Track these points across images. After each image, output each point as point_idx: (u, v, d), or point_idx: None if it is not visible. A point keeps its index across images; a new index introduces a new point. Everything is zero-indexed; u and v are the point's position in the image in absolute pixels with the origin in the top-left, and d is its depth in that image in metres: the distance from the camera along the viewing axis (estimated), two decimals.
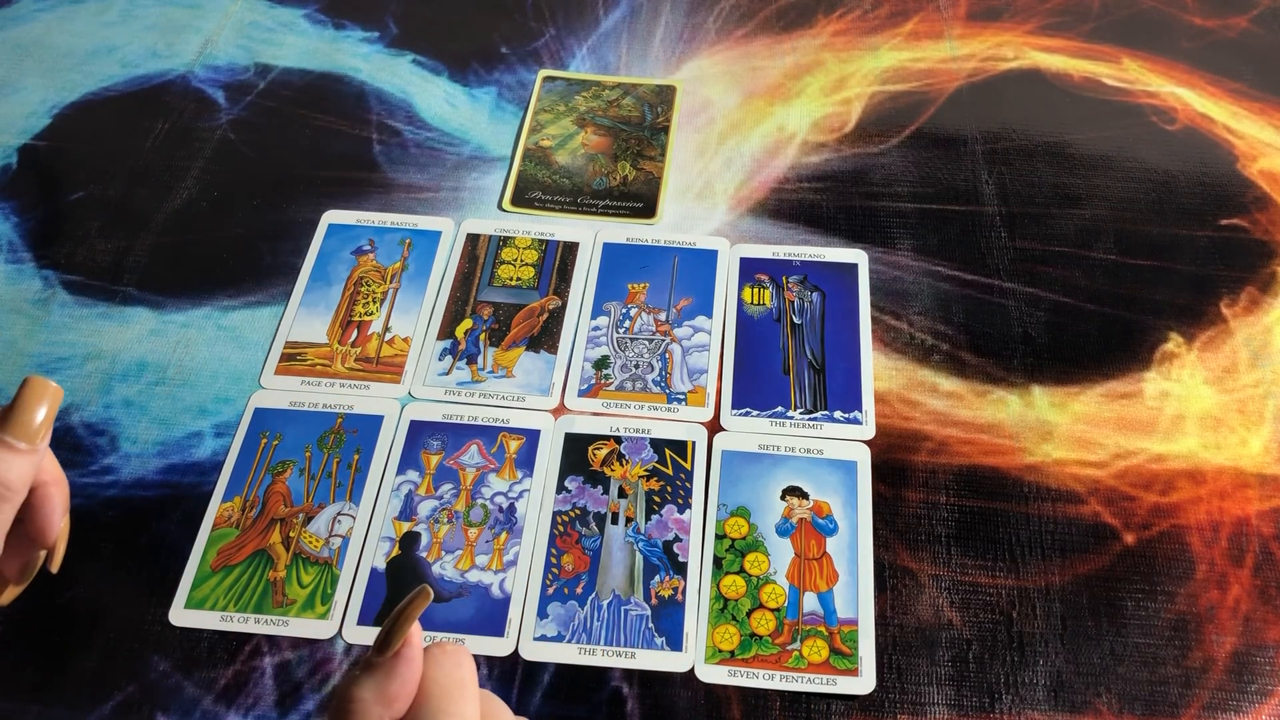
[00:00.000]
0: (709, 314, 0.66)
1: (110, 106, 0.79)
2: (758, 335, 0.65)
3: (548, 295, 0.67)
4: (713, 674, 0.52)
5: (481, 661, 0.53)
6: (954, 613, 0.54)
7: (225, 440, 0.60)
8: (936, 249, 0.69)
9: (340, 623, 0.54)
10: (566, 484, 0.59)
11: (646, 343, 0.64)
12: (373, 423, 0.61)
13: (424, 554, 0.56)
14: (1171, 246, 0.69)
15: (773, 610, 0.54)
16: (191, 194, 0.73)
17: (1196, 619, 0.54)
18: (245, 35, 0.84)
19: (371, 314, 0.66)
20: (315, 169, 0.74)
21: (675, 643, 0.53)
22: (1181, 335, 0.65)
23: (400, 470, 0.59)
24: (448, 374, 0.63)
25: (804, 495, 0.58)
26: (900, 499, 0.58)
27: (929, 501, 0.58)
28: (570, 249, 0.69)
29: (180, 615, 0.54)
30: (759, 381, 0.62)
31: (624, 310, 0.66)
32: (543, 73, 0.81)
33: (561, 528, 0.57)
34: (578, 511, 0.58)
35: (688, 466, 0.59)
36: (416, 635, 0.35)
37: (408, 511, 0.58)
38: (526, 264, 0.69)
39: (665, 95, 0.79)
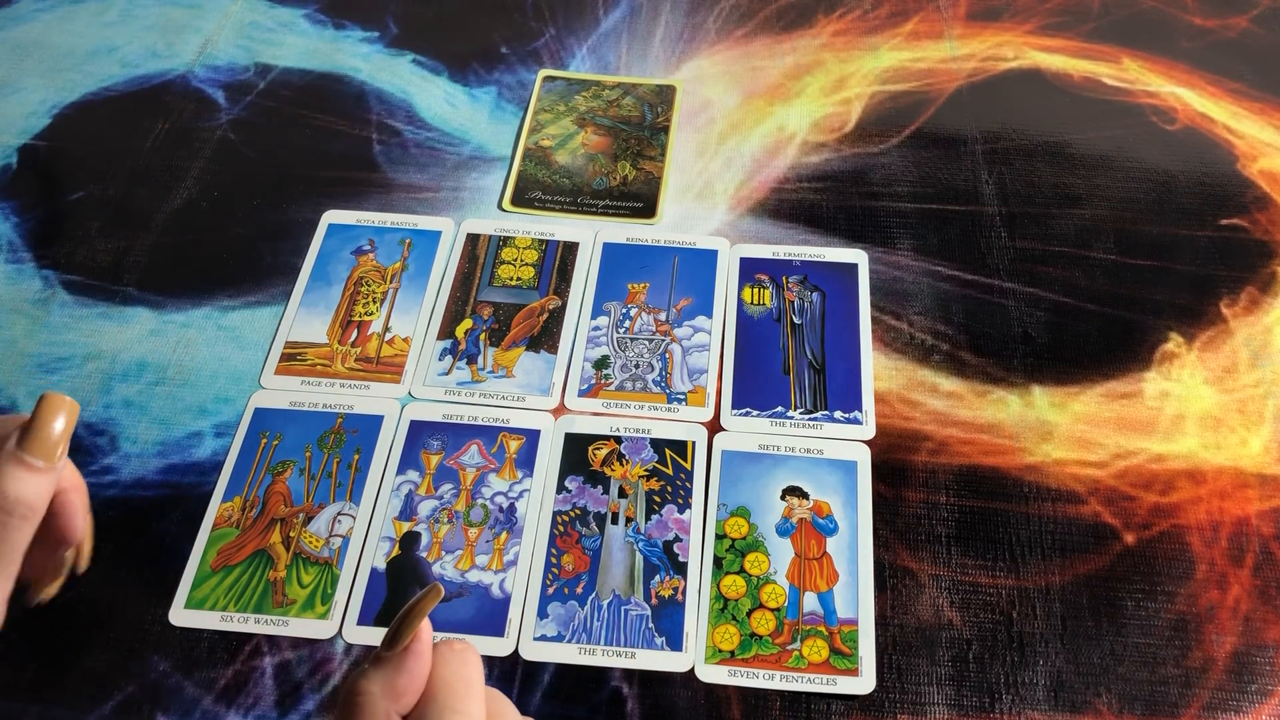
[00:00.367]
0: (709, 314, 0.66)
1: (110, 106, 0.79)
2: (758, 335, 0.65)
3: (548, 295, 0.67)
4: (713, 674, 0.52)
5: (482, 661, 0.52)
6: (954, 613, 0.54)
7: (225, 440, 0.60)
8: (936, 249, 0.69)
9: (340, 623, 0.54)
10: (567, 484, 0.59)
11: (646, 343, 0.64)
12: (373, 423, 0.61)
13: (424, 554, 0.56)
14: (1171, 246, 0.69)
15: (773, 610, 0.54)
16: (191, 194, 0.73)
17: (1196, 619, 0.54)
18: (245, 35, 0.84)
19: (371, 314, 0.66)
20: (315, 169, 0.74)
21: (675, 643, 0.53)
22: (1181, 335, 0.65)
23: (400, 470, 0.59)
24: (448, 374, 0.63)
25: (804, 495, 0.58)
26: (900, 499, 0.58)
27: (929, 501, 0.58)
28: (570, 249, 0.69)
29: (180, 615, 0.54)
30: (759, 381, 0.62)
31: (624, 310, 0.66)
32: (543, 73, 0.81)
33: (561, 528, 0.57)
34: (578, 511, 0.58)
35: (688, 466, 0.59)
36: (426, 632, 0.35)
37: (408, 511, 0.58)
38: (526, 264, 0.69)
39: (665, 95, 0.79)
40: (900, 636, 0.53)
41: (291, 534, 0.57)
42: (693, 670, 0.52)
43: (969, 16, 0.85)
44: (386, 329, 0.65)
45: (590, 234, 0.70)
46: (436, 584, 0.36)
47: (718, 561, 0.56)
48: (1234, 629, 0.53)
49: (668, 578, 0.55)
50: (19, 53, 0.83)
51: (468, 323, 0.66)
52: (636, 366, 0.63)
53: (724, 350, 0.64)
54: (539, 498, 0.58)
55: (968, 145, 0.75)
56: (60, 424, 0.42)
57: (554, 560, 0.56)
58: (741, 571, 0.55)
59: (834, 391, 0.62)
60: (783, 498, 0.58)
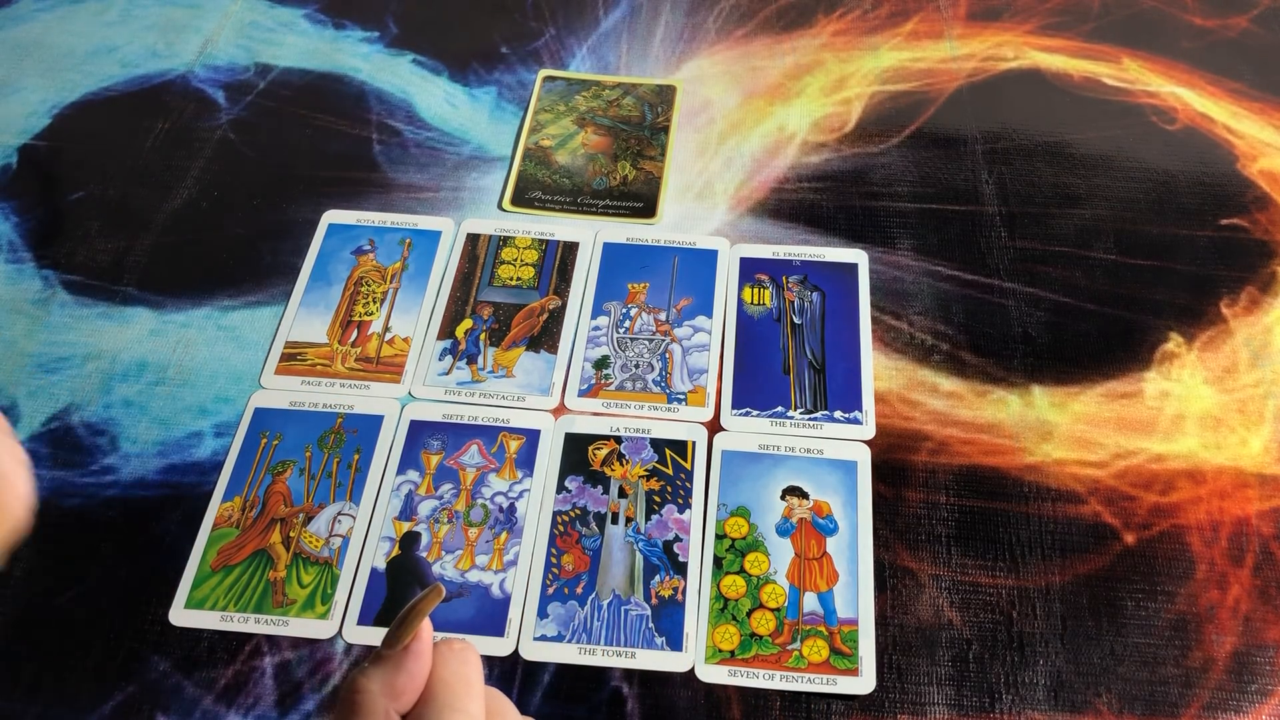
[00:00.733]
0: (709, 314, 0.66)
1: (110, 106, 0.79)
2: (758, 335, 0.65)
3: (548, 295, 0.67)
4: (713, 674, 0.52)
5: (482, 661, 0.52)
6: (954, 613, 0.54)
7: (225, 440, 0.60)
8: (936, 249, 0.69)
9: (340, 623, 0.54)
10: (567, 484, 0.59)
11: (646, 343, 0.64)
12: (373, 423, 0.61)
13: (424, 554, 0.56)
14: (1171, 246, 0.69)
15: (773, 610, 0.54)
16: (191, 194, 0.73)
17: (1196, 619, 0.54)
18: (245, 35, 0.84)
19: (371, 314, 0.66)
20: (315, 169, 0.74)
21: (675, 643, 0.53)
22: (1181, 335, 0.65)
23: (400, 470, 0.59)
24: (448, 374, 0.63)
25: (804, 495, 0.58)
26: (900, 499, 0.58)
27: (929, 501, 0.58)
28: (570, 249, 0.69)
29: (180, 615, 0.54)
30: (759, 381, 0.62)
31: (624, 310, 0.66)
32: (543, 73, 0.81)
33: (561, 528, 0.57)
34: (578, 511, 0.58)
35: (688, 466, 0.59)
36: (426, 631, 0.35)
37: (408, 511, 0.58)
38: (526, 264, 0.69)
39: (665, 95, 0.79)
40: (900, 636, 0.53)
41: (291, 534, 0.57)
42: (693, 670, 0.52)
43: (969, 16, 0.85)
44: (386, 329, 0.65)
45: (590, 234, 0.70)
46: (438, 584, 0.36)
47: (718, 561, 0.56)
48: (1234, 629, 0.53)
49: (668, 578, 0.55)
50: (19, 53, 0.83)
51: (468, 323, 0.66)
52: (636, 366, 0.63)
53: (724, 350, 0.64)
54: (539, 498, 0.58)
55: (968, 145, 0.75)
56: None
57: (554, 560, 0.56)
58: (741, 571, 0.55)
59: (834, 391, 0.62)
60: (783, 498, 0.58)
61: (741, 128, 0.77)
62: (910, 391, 0.62)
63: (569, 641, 0.53)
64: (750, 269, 0.68)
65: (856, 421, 0.61)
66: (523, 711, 0.51)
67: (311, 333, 0.65)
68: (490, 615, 0.54)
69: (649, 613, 0.54)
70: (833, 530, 0.56)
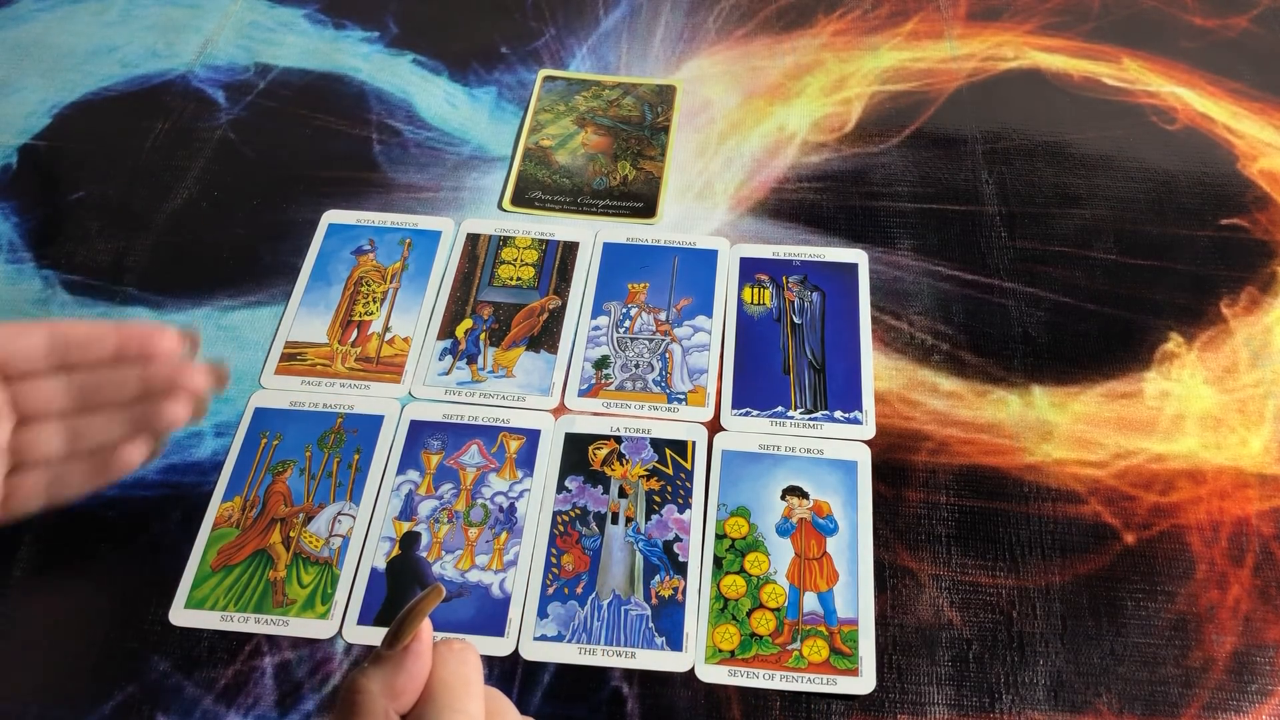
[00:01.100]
0: (709, 314, 0.66)
1: (110, 106, 0.79)
2: (758, 335, 0.65)
3: (548, 295, 0.67)
4: (713, 674, 0.52)
5: (482, 661, 0.52)
6: (954, 613, 0.54)
7: (225, 440, 0.60)
8: (936, 249, 0.69)
9: (340, 623, 0.54)
10: (567, 484, 0.59)
11: (646, 343, 0.64)
12: (373, 423, 0.61)
13: (424, 554, 0.56)
14: (1171, 246, 0.69)
15: (773, 610, 0.54)
16: (191, 194, 0.73)
17: (1196, 619, 0.54)
18: (245, 35, 0.84)
19: (371, 314, 0.66)
20: (315, 169, 0.74)
21: (675, 643, 0.53)
22: (1181, 335, 0.65)
23: (400, 470, 0.59)
24: (448, 374, 0.63)
25: (804, 495, 0.58)
26: (900, 499, 0.58)
27: (929, 501, 0.58)
28: (570, 249, 0.69)
29: (180, 615, 0.54)
30: (759, 381, 0.62)
31: (624, 310, 0.66)
32: (543, 73, 0.81)
33: (562, 527, 0.57)
34: (578, 511, 0.58)
35: (688, 466, 0.59)
36: (426, 631, 0.35)
37: (408, 511, 0.58)
38: (526, 264, 0.69)
39: (665, 95, 0.79)
40: (900, 636, 0.53)
41: (291, 534, 0.57)
42: (693, 670, 0.52)
43: (969, 16, 0.85)
44: (386, 329, 0.65)
45: (590, 234, 0.70)
46: (438, 584, 0.36)
47: (718, 561, 0.56)
48: (1234, 629, 0.53)
49: (668, 578, 0.55)
50: (19, 53, 0.83)
51: (468, 322, 0.66)
52: (636, 366, 0.63)
53: (724, 350, 0.64)
54: (539, 498, 0.58)
55: (968, 145, 0.75)
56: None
57: (554, 560, 0.56)
58: (741, 571, 0.55)
59: (834, 391, 0.62)
60: (783, 498, 0.58)
61: (741, 128, 0.77)
62: (910, 391, 0.62)
63: (569, 641, 0.53)
64: (750, 269, 0.68)
65: (856, 421, 0.61)
66: (523, 711, 0.51)
67: (311, 333, 0.65)
68: (490, 615, 0.54)
69: (649, 613, 0.54)
70: (833, 530, 0.56)
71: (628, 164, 0.74)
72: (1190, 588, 0.55)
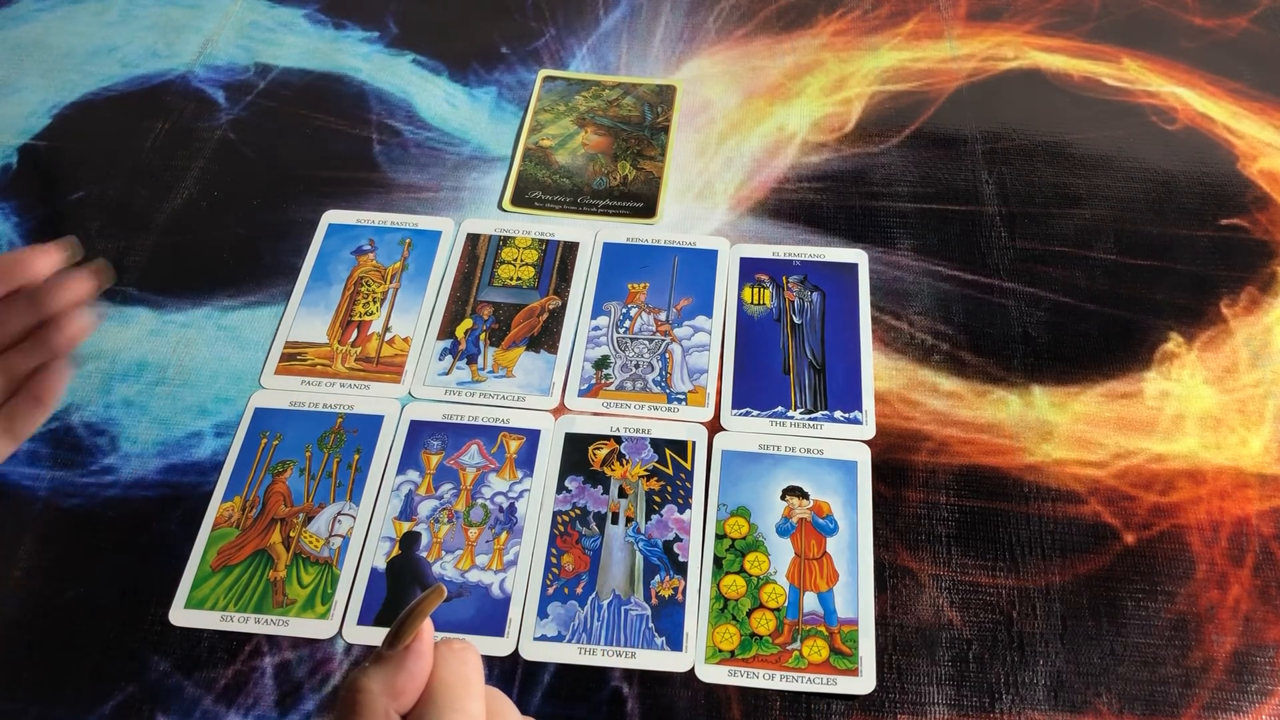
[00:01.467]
0: (709, 314, 0.66)
1: (110, 106, 0.79)
2: (758, 335, 0.65)
3: (548, 295, 0.67)
4: (713, 674, 0.52)
5: (482, 661, 0.52)
6: (954, 613, 0.54)
7: (225, 440, 0.60)
8: (936, 249, 0.69)
9: (340, 623, 0.54)
10: (567, 484, 0.59)
11: (646, 343, 0.64)
12: (373, 423, 0.61)
13: (424, 554, 0.56)
14: (1171, 246, 0.69)
15: (773, 610, 0.54)
16: (191, 194, 0.73)
17: (1196, 619, 0.54)
18: (245, 35, 0.84)
19: (371, 314, 0.66)
20: (315, 169, 0.74)
21: (675, 643, 0.53)
22: (1181, 335, 0.65)
23: (400, 470, 0.59)
24: (448, 374, 0.63)
25: (804, 495, 0.58)
26: (900, 499, 0.58)
27: (929, 501, 0.58)
28: (570, 249, 0.69)
29: (180, 615, 0.54)
30: (759, 381, 0.62)
31: (624, 310, 0.66)
32: (543, 73, 0.81)
33: (561, 528, 0.57)
34: (578, 511, 0.58)
35: (688, 466, 0.59)
36: (427, 631, 0.35)
37: (408, 511, 0.58)
38: (526, 264, 0.69)
39: (665, 95, 0.79)
40: (900, 636, 0.53)
41: (291, 534, 0.57)
42: (693, 670, 0.52)
43: (969, 16, 0.85)
44: (386, 329, 0.65)
45: (590, 234, 0.70)
46: (440, 585, 0.36)
47: (718, 561, 0.56)
48: (1234, 629, 0.53)
49: (668, 578, 0.55)
50: (19, 53, 0.83)
51: (468, 323, 0.66)
52: (636, 366, 0.63)
53: (724, 350, 0.64)
54: (539, 498, 0.58)
55: (968, 145, 0.75)
56: None
57: (554, 560, 0.56)
58: (741, 571, 0.55)
59: (834, 391, 0.62)
60: (783, 498, 0.58)
61: (741, 128, 0.77)
62: (910, 391, 0.62)
63: (569, 641, 0.53)
64: (750, 269, 0.68)
65: (856, 421, 0.61)
66: (523, 711, 0.51)
67: (311, 333, 0.65)
68: (490, 615, 0.54)
69: (649, 613, 0.54)
70: (833, 530, 0.56)
71: (628, 164, 0.74)
72: (1190, 588, 0.55)
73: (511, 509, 0.58)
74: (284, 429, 0.61)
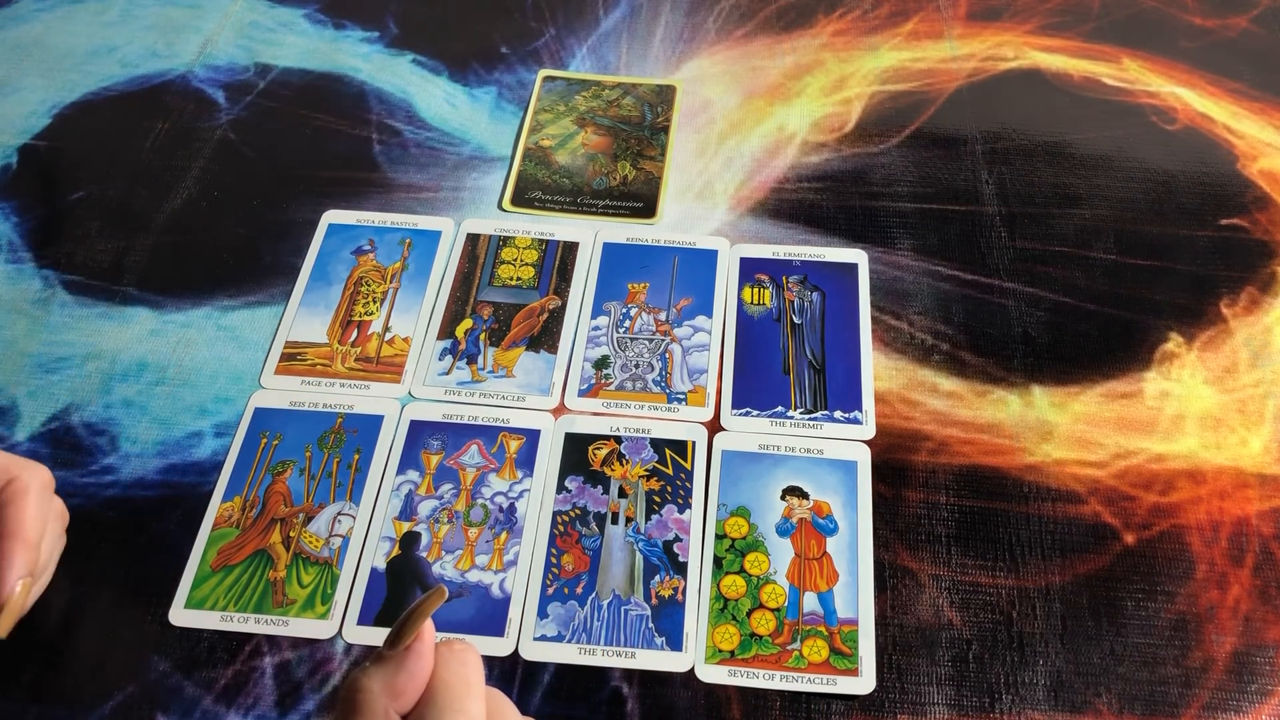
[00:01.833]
0: (709, 314, 0.66)
1: (110, 106, 0.79)
2: (758, 335, 0.65)
3: (548, 295, 0.67)
4: (713, 674, 0.52)
5: (482, 661, 0.52)
6: (954, 613, 0.54)
7: (225, 440, 0.60)
8: (936, 249, 0.69)
9: (340, 623, 0.54)
10: (566, 484, 0.59)
11: (646, 343, 0.64)
12: (373, 423, 0.61)
13: (424, 554, 0.56)
14: (1171, 246, 0.69)
15: (773, 610, 0.54)
16: (191, 194, 0.73)
17: (1196, 619, 0.54)
18: (245, 35, 0.84)
19: (371, 314, 0.66)
20: (315, 169, 0.74)
21: (675, 643, 0.53)
22: (1181, 335, 0.65)
23: (400, 470, 0.59)
24: (448, 374, 0.63)
25: (804, 495, 0.58)
26: (900, 499, 0.58)
27: (929, 501, 0.58)
28: (570, 249, 0.69)
29: (180, 615, 0.54)
30: (759, 381, 0.62)
31: (624, 310, 0.66)
32: (543, 73, 0.81)
33: (561, 528, 0.57)
34: (578, 511, 0.58)
35: (688, 466, 0.59)
36: (428, 632, 0.35)
37: (408, 511, 0.58)
38: (526, 264, 0.69)
39: (665, 95, 0.79)
40: (900, 636, 0.53)
41: (291, 534, 0.57)
42: (693, 670, 0.52)
43: (969, 16, 0.85)
44: (386, 329, 0.65)
45: (590, 234, 0.70)
46: (441, 586, 0.36)
47: (718, 561, 0.56)
48: (1234, 629, 0.53)
49: (668, 578, 0.55)
50: (19, 53, 0.83)
51: (468, 322, 0.66)
52: (636, 366, 0.63)
53: (724, 350, 0.64)
54: (539, 498, 0.58)
55: (968, 145, 0.75)
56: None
57: (554, 560, 0.56)
58: (741, 571, 0.55)
59: (834, 391, 0.62)
60: (783, 498, 0.58)
61: (741, 128, 0.77)
62: (910, 391, 0.62)
63: (569, 641, 0.53)
64: (750, 269, 0.68)
65: (856, 421, 0.61)
66: (523, 711, 0.51)
67: (311, 333, 0.65)
68: (490, 615, 0.54)
69: (649, 613, 0.54)
70: (833, 530, 0.56)
71: (628, 164, 0.74)
72: (1190, 588, 0.55)
73: (511, 509, 0.58)
74: (284, 429, 0.61)
